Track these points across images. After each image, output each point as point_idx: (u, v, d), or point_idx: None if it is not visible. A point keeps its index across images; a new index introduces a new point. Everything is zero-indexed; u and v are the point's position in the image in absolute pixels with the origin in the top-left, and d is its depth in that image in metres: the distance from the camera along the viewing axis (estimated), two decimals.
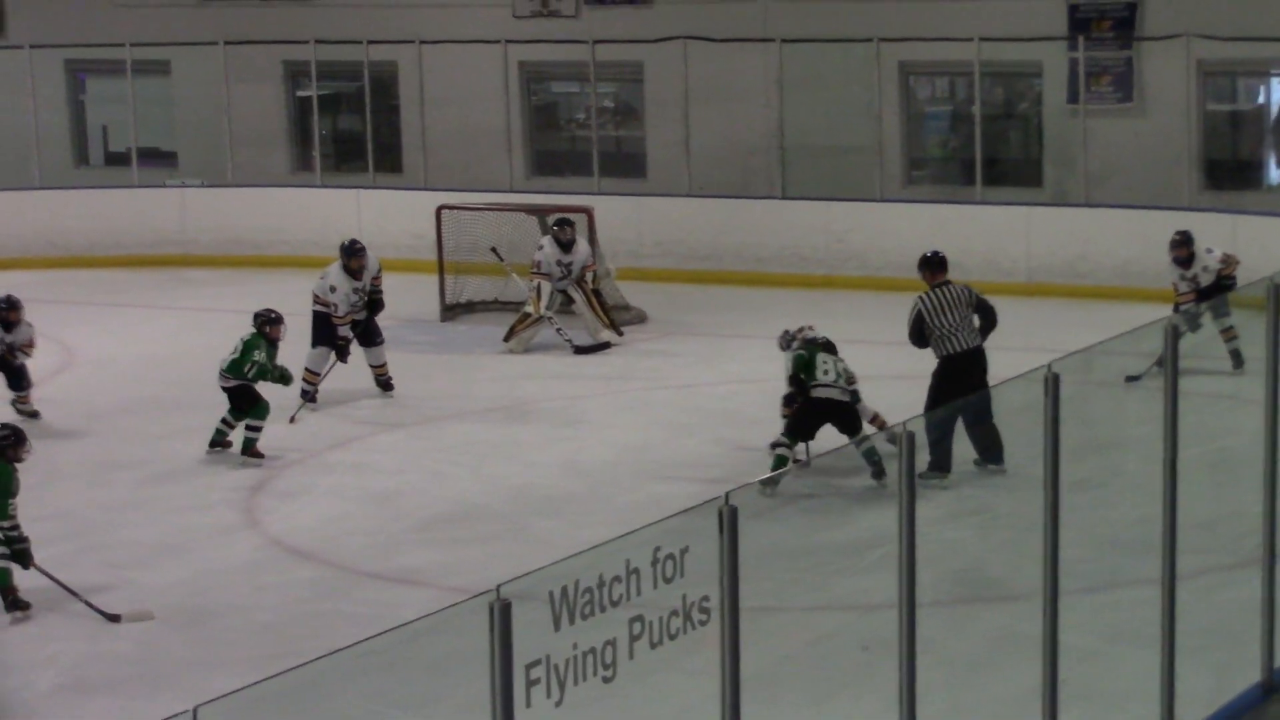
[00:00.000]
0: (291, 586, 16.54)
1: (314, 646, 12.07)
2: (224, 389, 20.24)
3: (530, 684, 7.49)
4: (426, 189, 28.46)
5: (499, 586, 7.42)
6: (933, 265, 18.60)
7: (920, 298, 18.36)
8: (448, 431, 20.67)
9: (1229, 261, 21.43)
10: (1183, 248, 21.80)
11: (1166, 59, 27.04)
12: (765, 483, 15.58)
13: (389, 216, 26.03)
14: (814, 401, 17.74)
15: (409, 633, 9.37)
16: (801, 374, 17.88)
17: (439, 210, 26.36)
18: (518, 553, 15.22)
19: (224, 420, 20.15)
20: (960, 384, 17.44)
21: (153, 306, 27.86)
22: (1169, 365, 11.79)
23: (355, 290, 22.62)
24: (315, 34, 31.56)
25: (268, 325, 20.84)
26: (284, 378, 20.64)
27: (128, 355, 24.95)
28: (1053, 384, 10.36)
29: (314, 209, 30.42)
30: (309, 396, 21.97)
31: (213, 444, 20.32)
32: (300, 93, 32.38)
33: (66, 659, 14.78)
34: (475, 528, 17.76)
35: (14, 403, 20.78)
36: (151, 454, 20.38)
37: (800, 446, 17.72)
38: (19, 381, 20.76)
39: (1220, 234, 22.34)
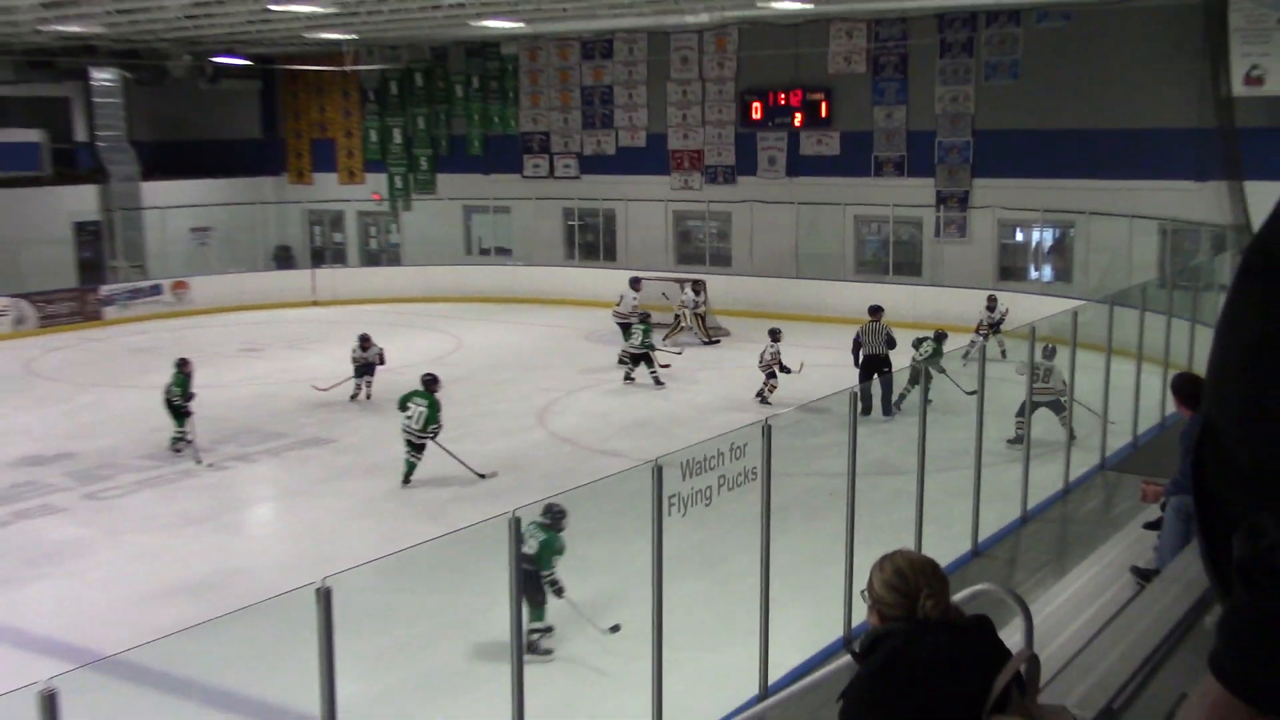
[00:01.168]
0: (558, 457, 16.64)
1: (569, 484, 12.15)
2: (630, 353, 20.96)
3: (669, 504, 7.57)
4: (627, 269, 28.48)
5: (657, 459, 7.47)
6: (871, 310, 18.86)
7: (859, 328, 18.52)
8: (634, 385, 20.69)
9: (1005, 313, 21.73)
10: (992, 301, 22.23)
11: (983, 217, 26.75)
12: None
13: (609, 283, 26.10)
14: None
15: (619, 478, 9.44)
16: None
17: (636, 279, 26.50)
18: (666, 443, 15.27)
19: (655, 371, 20.93)
20: (871, 373, 17.57)
21: (501, 321, 28.05)
22: (980, 362, 11.72)
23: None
24: (578, 194, 31.81)
25: (650, 316, 22.06)
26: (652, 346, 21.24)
27: (488, 343, 25.18)
28: (924, 372, 10.30)
29: (576, 278, 30.57)
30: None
31: (626, 378, 21.03)
32: (570, 222, 32.43)
33: (458, 484, 15.00)
34: (646, 430, 17.81)
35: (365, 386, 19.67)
36: (498, 392, 20.57)
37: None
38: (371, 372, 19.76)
39: (1004, 301, 22.16)
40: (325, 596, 5.53)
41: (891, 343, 18.33)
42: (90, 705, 5.23)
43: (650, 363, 21.01)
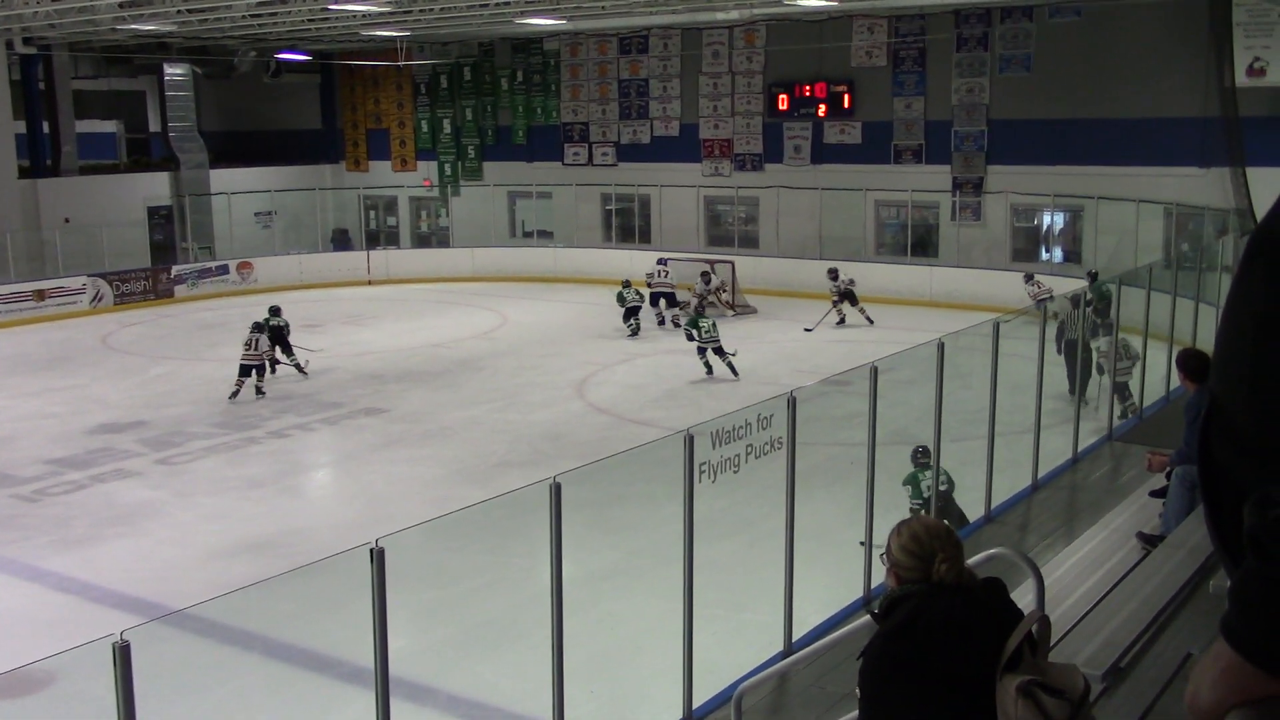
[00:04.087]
0: (595, 426, 16.61)
1: (605, 451, 12.12)
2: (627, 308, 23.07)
3: (700, 471, 7.51)
4: (660, 250, 28.40)
5: (689, 428, 7.42)
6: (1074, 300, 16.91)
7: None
8: (666, 358, 20.61)
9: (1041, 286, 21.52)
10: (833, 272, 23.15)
11: (997, 202, 26.53)
12: None
13: (643, 262, 26.09)
14: None
15: (652, 447, 9.39)
16: None
17: (662, 259, 26.40)
18: (697, 413, 15.19)
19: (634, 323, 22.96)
20: (1074, 357, 15.04)
21: (542, 299, 27.99)
22: (994, 337, 11.54)
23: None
24: (615, 180, 31.69)
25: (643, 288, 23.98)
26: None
27: (530, 320, 25.15)
28: (940, 348, 10.18)
29: (613, 258, 30.33)
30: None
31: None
32: (607, 206, 32.33)
33: (503, 451, 14.95)
34: (678, 401, 17.74)
35: None
36: (540, 365, 20.55)
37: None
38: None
39: (1017, 280, 21.95)
40: (379, 556, 5.53)
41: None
42: (160, 656, 5.26)
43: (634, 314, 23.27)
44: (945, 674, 3.09)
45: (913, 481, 10.53)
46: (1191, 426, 7.42)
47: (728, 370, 19.07)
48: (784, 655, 8.16)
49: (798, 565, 8.51)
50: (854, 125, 28.20)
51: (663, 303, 24.23)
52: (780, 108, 29.01)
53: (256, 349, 18.43)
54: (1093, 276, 21.92)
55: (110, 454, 15.36)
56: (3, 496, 13.71)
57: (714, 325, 19.43)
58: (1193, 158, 23.49)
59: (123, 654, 4.58)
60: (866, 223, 28.34)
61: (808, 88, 28.58)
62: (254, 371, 18.29)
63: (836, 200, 28.35)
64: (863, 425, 9.45)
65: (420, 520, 6.99)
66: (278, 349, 19.47)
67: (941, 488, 10.41)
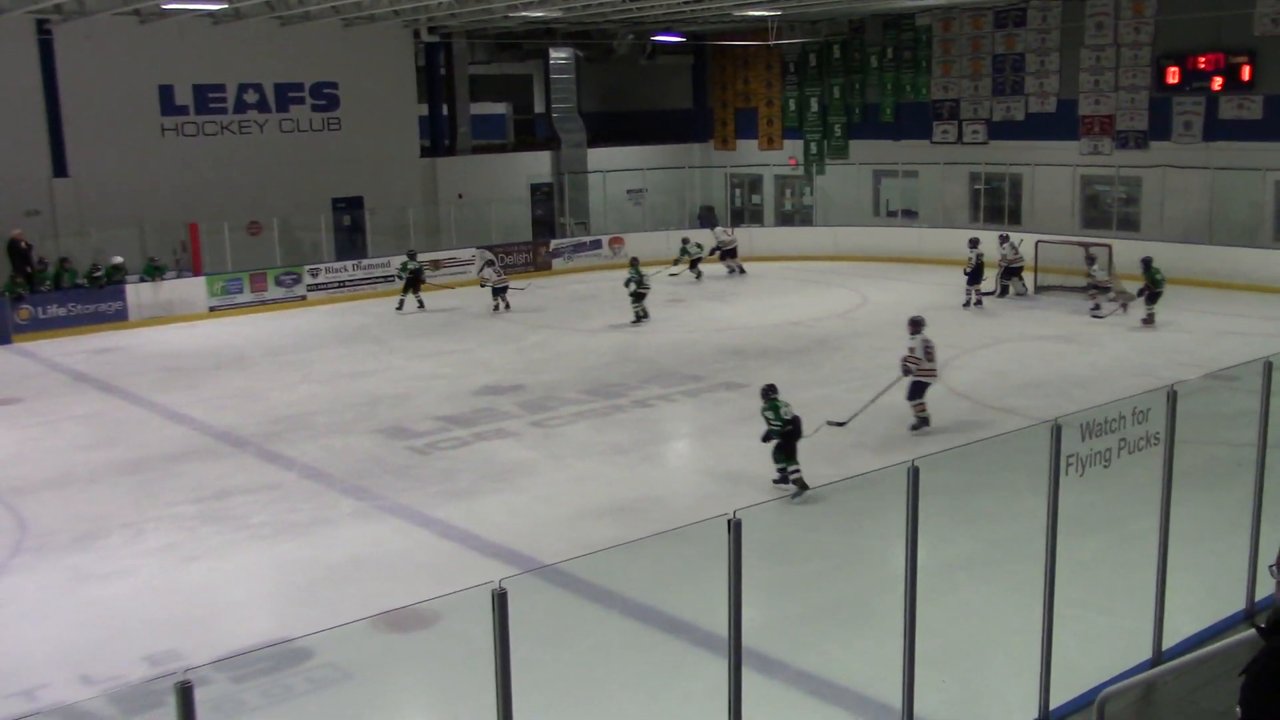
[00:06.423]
0: (955, 411, 16.04)
1: (963, 438, 11.74)
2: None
3: (1067, 464, 7.21)
4: (1031, 232, 27.17)
5: (1057, 419, 7.11)
6: None
7: None
8: (1032, 345, 19.61)
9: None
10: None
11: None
12: None
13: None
14: None
15: (1016, 436, 9.03)
16: None
17: (1037, 243, 25.26)
18: (1063, 403, 14.43)
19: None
20: None
21: (905, 280, 27.39)
22: None
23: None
24: (985, 159, 30.63)
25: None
26: None
27: (891, 301, 24.64)
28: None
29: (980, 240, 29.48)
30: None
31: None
32: (975, 186, 31.29)
33: (859, 432, 14.82)
34: (1044, 390, 16.82)
35: None
36: (899, 347, 20.10)
37: None
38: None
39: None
40: (736, 528, 5.64)
41: None
42: (531, 606, 5.61)
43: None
44: None
45: (773, 408, 12.64)
46: None
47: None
48: (1152, 664, 7.69)
49: (1170, 570, 7.97)
50: (1254, 99, 25.91)
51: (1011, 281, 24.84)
52: (1169, 81, 27.08)
53: (501, 276, 25.34)
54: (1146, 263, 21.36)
55: (492, 414, 16.45)
56: (400, 448, 15.00)
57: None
58: None
59: (500, 600, 4.90)
60: (1265, 206, 26.00)
61: (1202, 59, 26.53)
62: (505, 291, 24.94)
63: (1231, 181, 26.17)
64: (1252, 424, 8.71)
65: (774, 496, 7.08)
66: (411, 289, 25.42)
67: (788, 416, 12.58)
